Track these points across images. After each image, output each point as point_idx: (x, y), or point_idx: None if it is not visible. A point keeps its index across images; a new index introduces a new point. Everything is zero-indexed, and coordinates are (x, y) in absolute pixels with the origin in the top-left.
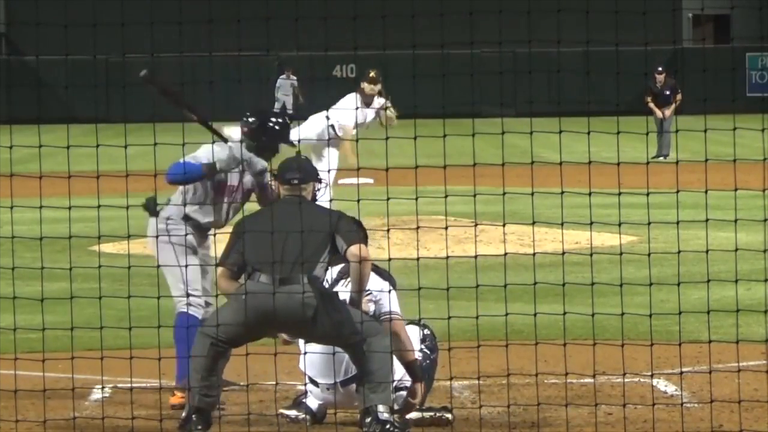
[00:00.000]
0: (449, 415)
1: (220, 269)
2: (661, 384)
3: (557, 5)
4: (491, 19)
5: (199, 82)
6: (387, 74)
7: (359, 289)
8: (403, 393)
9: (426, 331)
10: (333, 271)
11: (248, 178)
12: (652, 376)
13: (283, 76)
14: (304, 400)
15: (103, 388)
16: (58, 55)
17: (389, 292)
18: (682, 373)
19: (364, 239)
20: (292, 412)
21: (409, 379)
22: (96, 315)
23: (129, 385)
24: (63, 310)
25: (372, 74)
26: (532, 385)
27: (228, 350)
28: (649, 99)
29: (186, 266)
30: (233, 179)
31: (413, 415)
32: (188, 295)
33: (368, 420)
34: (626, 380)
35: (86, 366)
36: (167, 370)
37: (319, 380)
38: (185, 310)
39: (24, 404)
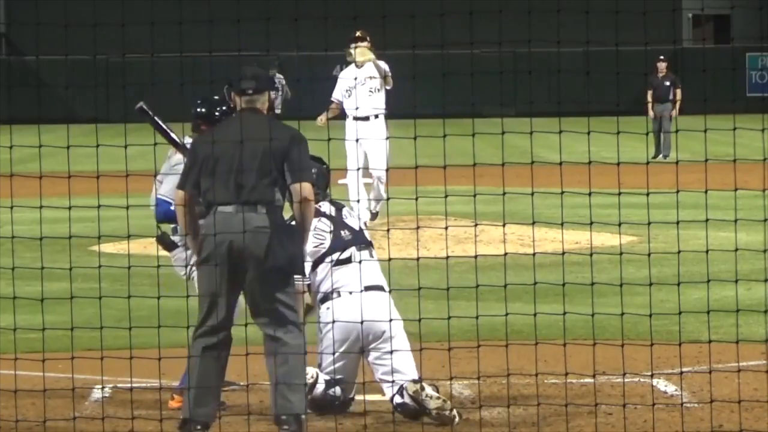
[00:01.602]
0: (455, 414)
1: (179, 194)
2: (661, 384)
3: (557, 5)
4: (491, 19)
5: (199, 82)
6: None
7: (303, 230)
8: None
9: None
10: (327, 206)
11: None
12: (652, 376)
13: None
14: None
15: (103, 388)
16: (58, 55)
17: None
18: (682, 373)
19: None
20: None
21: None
22: (96, 315)
23: (129, 385)
24: (63, 310)
25: (358, 33)
26: (532, 385)
27: (222, 350)
28: (649, 95)
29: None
30: None
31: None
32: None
33: (284, 417)
34: (626, 380)
35: (86, 366)
36: (167, 370)
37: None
38: None
39: (24, 404)
